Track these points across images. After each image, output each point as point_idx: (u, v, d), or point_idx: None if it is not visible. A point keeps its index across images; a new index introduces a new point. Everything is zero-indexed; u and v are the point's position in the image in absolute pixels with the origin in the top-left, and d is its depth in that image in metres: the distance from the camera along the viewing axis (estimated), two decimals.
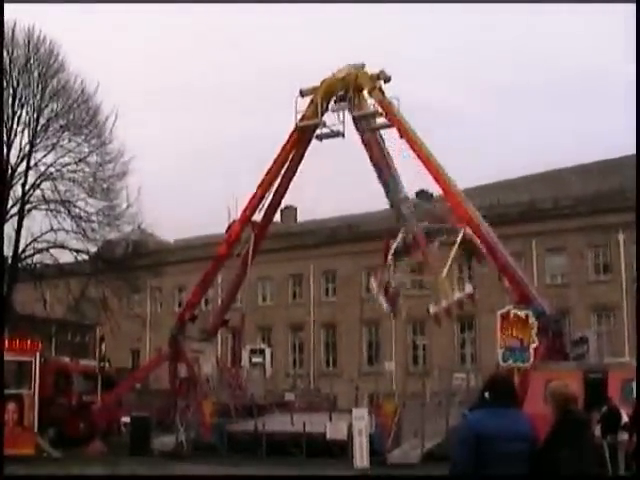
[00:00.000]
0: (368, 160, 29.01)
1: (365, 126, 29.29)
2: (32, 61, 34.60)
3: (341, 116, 29.51)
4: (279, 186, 30.90)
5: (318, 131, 30.00)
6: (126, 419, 29.02)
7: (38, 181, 34.81)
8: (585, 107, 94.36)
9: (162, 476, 21.16)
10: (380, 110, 28.95)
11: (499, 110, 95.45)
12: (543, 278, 43.00)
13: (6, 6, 27.74)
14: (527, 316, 25.13)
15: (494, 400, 5.80)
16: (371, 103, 29.22)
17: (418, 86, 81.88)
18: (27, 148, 34.55)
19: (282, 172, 30.55)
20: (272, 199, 31.11)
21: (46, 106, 34.84)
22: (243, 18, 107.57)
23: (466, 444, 5.64)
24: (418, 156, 27.60)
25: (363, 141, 29.20)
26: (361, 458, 22.33)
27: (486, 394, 5.88)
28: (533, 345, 24.78)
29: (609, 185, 42.35)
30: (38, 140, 34.76)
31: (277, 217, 39.01)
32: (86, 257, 37.00)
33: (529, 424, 5.94)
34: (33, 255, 35.47)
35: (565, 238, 43.18)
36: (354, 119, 29.35)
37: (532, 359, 24.42)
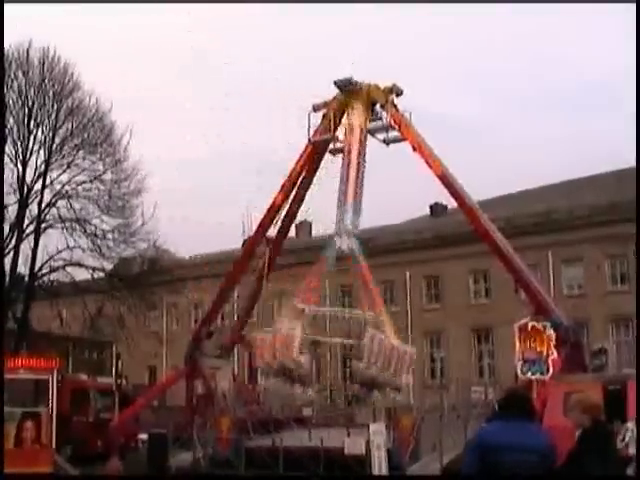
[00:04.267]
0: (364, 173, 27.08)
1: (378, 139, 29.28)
2: (47, 81, 34.96)
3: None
4: (293, 201, 30.84)
5: (331, 146, 29.98)
6: (143, 436, 29.00)
7: (54, 199, 35.10)
8: (600, 116, 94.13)
9: (159, 476, 21.14)
10: (393, 124, 28.92)
11: (513, 121, 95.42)
12: (560, 289, 42.76)
13: (19, 25, 28.01)
14: (545, 327, 24.92)
15: (507, 412, 6.07)
16: (384, 117, 29.19)
17: (430, 96, 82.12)
18: (43, 167, 34.90)
19: (296, 187, 30.54)
20: (287, 214, 31.08)
21: (61, 125, 35.17)
22: (257, 32, 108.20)
23: (472, 452, 6.10)
24: (431, 169, 27.53)
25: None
26: (380, 473, 22.15)
27: (501, 406, 6.22)
28: (551, 357, 24.57)
29: (624, 195, 42.10)
30: (53, 159, 35.10)
31: (292, 232, 38.98)
32: (102, 274, 37.19)
33: (543, 437, 6.08)
34: (49, 273, 35.73)
35: (581, 248, 42.92)
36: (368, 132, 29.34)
37: (551, 371, 24.21)
